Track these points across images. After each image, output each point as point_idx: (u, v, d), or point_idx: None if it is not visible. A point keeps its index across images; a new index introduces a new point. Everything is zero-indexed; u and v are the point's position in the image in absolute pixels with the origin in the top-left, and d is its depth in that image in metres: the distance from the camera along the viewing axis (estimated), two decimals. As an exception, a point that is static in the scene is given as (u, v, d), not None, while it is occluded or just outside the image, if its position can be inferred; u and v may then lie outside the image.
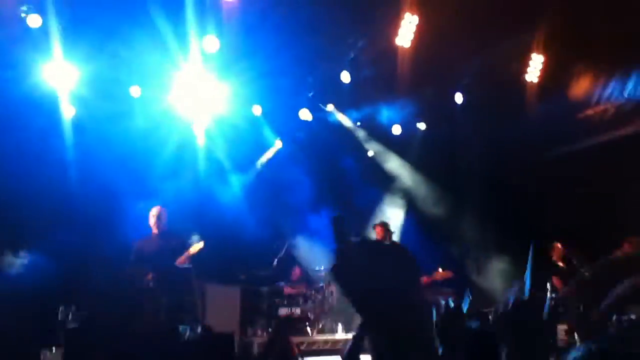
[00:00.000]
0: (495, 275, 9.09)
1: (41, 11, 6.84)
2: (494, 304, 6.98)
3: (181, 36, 7.46)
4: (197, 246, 6.11)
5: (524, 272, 4.73)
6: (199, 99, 8.21)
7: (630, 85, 8.35)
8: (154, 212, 6.43)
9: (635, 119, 8.30)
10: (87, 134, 7.39)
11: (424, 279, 6.72)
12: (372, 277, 2.88)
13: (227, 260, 7.29)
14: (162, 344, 4.71)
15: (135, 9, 7.03)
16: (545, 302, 4.57)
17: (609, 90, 8.53)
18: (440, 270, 6.96)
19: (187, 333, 4.82)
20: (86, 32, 7.13)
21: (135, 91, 7.91)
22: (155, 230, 6.36)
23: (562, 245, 7.20)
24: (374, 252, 3.26)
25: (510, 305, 3.62)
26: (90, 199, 7.03)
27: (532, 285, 3.82)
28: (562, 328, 6.33)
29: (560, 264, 7.20)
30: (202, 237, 6.22)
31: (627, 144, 8.21)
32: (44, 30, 6.90)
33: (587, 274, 6.28)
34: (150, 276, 5.91)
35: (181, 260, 6.05)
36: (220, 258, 6.85)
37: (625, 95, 8.39)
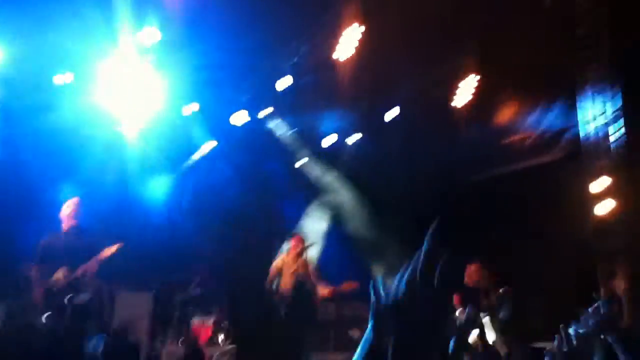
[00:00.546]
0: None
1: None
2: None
3: (116, 25, 7.24)
4: (110, 249, 5.88)
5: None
6: (131, 92, 8.00)
7: (551, 116, 8.80)
8: (67, 203, 6.07)
9: (551, 148, 8.76)
10: (10, 121, 7.07)
11: (329, 290, 6.85)
12: None
13: (141, 264, 7.10)
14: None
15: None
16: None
17: (531, 119, 8.97)
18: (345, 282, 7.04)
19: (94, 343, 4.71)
20: (13, 12, 6.79)
21: (63, 79, 7.63)
22: (66, 225, 6.00)
23: (477, 267, 7.47)
24: None
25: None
26: (8, 193, 6.72)
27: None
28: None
29: (472, 285, 7.47)
30: (120, 238, 6.02)
31: (543, 171, 8.64)
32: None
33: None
34: (60, 274, 5.67)
35: (91, 263, 5.77)
36: (134, 262, 6.65)
37: (545, 125, 8.84)
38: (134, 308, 6.42)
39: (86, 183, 7.11)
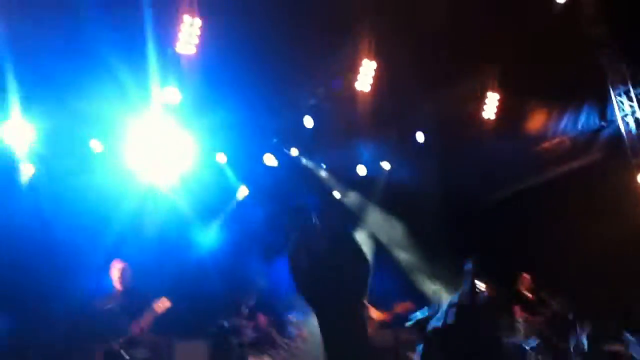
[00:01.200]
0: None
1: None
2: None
3: (141, 89, 7.42)
4: (163, 304, 5.84)
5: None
6: (160, 152, 8.11)
7: (582, 118, 8.69)
8: (117, 267, 6.09)
9: (589, 150, 8.60)
10: (46, 192, 7.19)
11: (385, 314, 6.65)
12: None
13: (193, 314, 7.02)
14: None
15: (92, 63, 6.97)
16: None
17: (562, 124, 8.86)
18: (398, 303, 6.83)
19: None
20: (43, 88, 7.02)
21: (95, 146, 7.80)
22: (118, 288, 6.02)
23: (530, 276, 7.28)
24: None
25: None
26: (49, 260, 6.77)
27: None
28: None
29: (527, 294, 7.27)
30: (167, 293, 5.98)
31: (582, 174, 8.45)
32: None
33: (557, 306, 6.39)
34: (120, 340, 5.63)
35: (146, 320, 5.74)
36: (186, 313, 6.57)
37: (579, 127, 8.71)
38: (192, 357, 6.27)
39: (124, 243, 7.14)
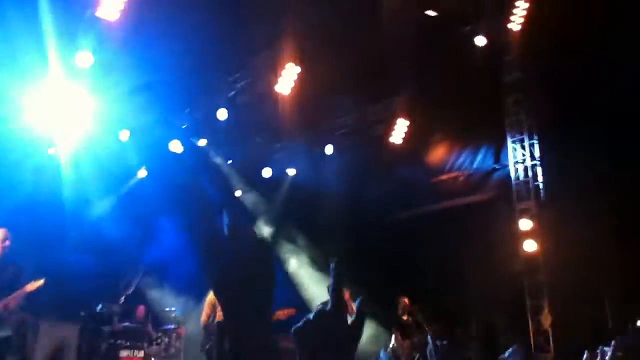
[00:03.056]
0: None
1: None
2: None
3: (40, 53, 6.95)
4: (35, 283, 5.52)
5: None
6: (63, 116, 7.69)
7: (479, 157, 9.27)
8: None
9: (481, 189, 9.19)
10: None
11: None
12: None
13: (67, 295, 6.65)
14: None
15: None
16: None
17: (461, 160, 9.41)
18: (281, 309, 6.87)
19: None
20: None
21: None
22: None
23: (407, 300, 7.65)
24: None
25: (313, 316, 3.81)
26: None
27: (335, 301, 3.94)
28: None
29: (404, 318, 7.64)
30: (44, 267, 5.67)
31: (472, 210, 9.02)
32: None
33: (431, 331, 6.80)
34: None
35: (14, 297, 5.41)
36: (60, 292, 6.22)
37: (474, 165, 9.30)
38: (58, 340, 5.91)
39: (15, 211, 6.66)
